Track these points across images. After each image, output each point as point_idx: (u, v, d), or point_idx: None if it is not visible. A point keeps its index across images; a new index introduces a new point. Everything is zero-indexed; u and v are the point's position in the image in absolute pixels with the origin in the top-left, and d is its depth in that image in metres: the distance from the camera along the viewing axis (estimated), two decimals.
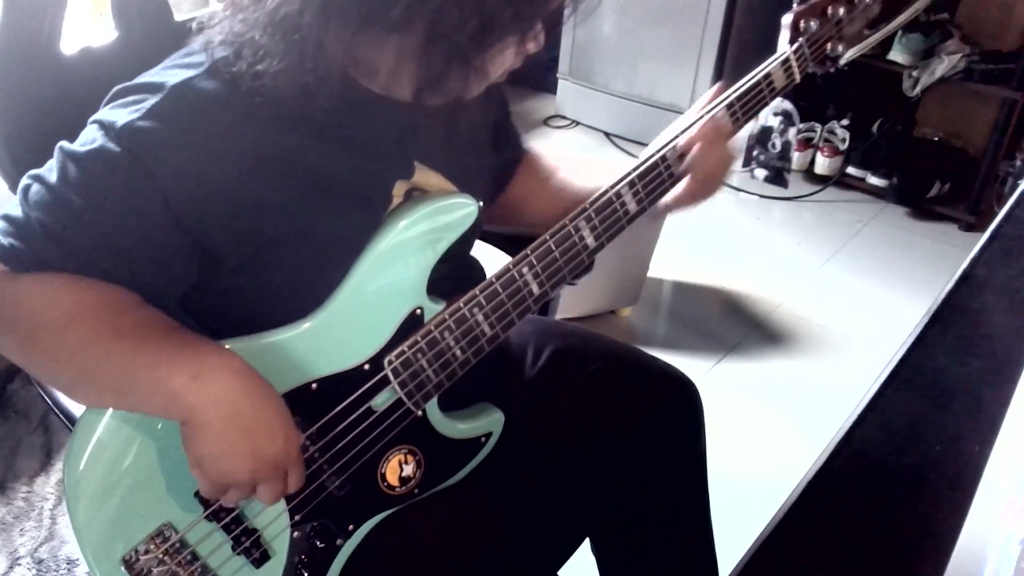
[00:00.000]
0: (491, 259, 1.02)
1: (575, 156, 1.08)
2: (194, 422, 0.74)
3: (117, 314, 0.75)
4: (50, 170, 0.75)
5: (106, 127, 0.74)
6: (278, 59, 0.74)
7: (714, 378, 2.20)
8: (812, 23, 1.00)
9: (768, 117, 2.66)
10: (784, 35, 1.01)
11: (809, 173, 3.25)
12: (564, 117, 3.64)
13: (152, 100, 0.74)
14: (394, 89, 0.82)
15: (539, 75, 3.75)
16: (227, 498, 0.78)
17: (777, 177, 2.75)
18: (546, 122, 3.62)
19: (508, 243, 1.13)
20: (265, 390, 0.76)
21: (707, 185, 0.98)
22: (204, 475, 0.76)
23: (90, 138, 0.75)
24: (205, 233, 0.77)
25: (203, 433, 0.74)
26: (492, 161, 1.05)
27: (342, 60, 0.78)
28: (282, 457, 0.76)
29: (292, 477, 0.78)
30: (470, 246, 0.98)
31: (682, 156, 0.96)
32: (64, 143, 0.75)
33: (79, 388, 0.79)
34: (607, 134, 3.52)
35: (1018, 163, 2.92)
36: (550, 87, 3.69)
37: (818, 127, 3.20)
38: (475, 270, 1.02)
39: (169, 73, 0.77)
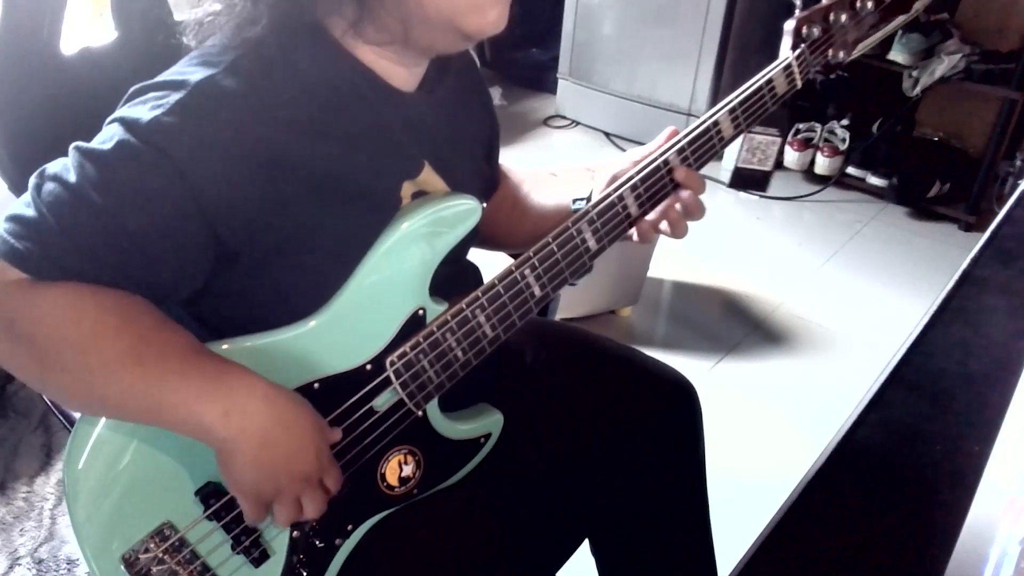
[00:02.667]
0: (489, 263, 1.02)
1: (539, 173, 1.13)
2: (227, 451, 0.74)
3: (139, 338, 0.73)
4: (66, 169, 0.73)
5: (128, 124, 0.73)
6: (300, 45, 0.78)
7: (714, 378, 2.20)
8: (814, 29, 1.01)
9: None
10: (786, 41, 1.01)
11: (809, 173, 3.25)
12: (564, 117, 3.64)
13: (176, 96, 0.74)
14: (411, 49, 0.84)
15: (539, 75, 3.75)
16: (275, 518, 0.79)
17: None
18: (546, 122, 3.62)
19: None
20: (292, 408, 0.77)
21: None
22: (245, 499, 0.77)
23: (110, 135, 0.73)
24: (228, 228, 0.77)
25: (238, 461, 0.74)
26: (485, 172, 1.06)
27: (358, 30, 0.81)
28: (316, 470, 0.78)
29: (330, 482, 0.80)
30: (468, 248, 0.98)
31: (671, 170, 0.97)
32: (80, 143, 0.74)
33: (97, 409, 0.77)
34: (607, 134, 3.52)
35: (1018, 163, 2.92)
36: (550, 87, 3.69)
37: (818, 127, 3.20)
38: (471, 273, 1.02)
39: (190, 70, 0.77)
